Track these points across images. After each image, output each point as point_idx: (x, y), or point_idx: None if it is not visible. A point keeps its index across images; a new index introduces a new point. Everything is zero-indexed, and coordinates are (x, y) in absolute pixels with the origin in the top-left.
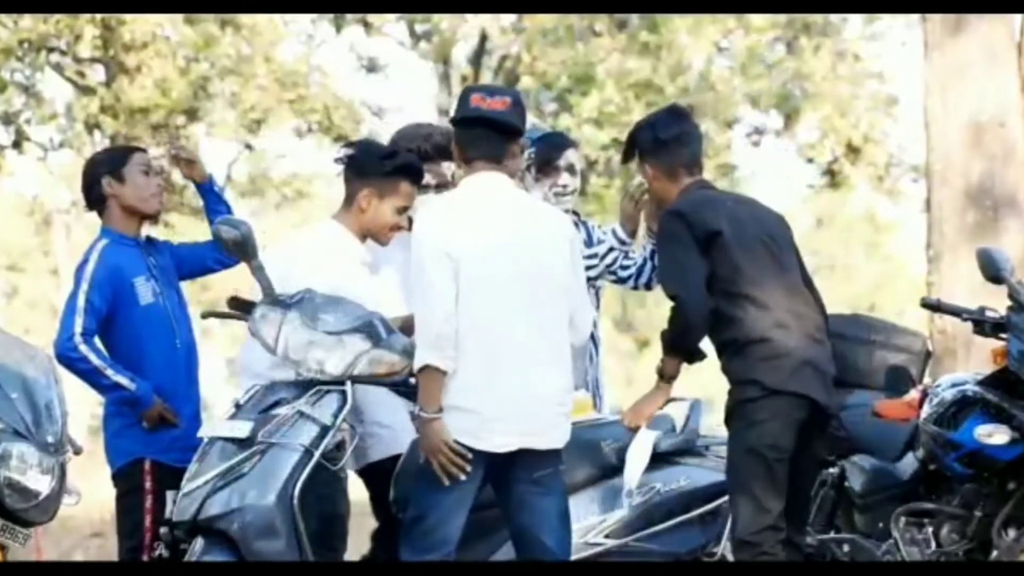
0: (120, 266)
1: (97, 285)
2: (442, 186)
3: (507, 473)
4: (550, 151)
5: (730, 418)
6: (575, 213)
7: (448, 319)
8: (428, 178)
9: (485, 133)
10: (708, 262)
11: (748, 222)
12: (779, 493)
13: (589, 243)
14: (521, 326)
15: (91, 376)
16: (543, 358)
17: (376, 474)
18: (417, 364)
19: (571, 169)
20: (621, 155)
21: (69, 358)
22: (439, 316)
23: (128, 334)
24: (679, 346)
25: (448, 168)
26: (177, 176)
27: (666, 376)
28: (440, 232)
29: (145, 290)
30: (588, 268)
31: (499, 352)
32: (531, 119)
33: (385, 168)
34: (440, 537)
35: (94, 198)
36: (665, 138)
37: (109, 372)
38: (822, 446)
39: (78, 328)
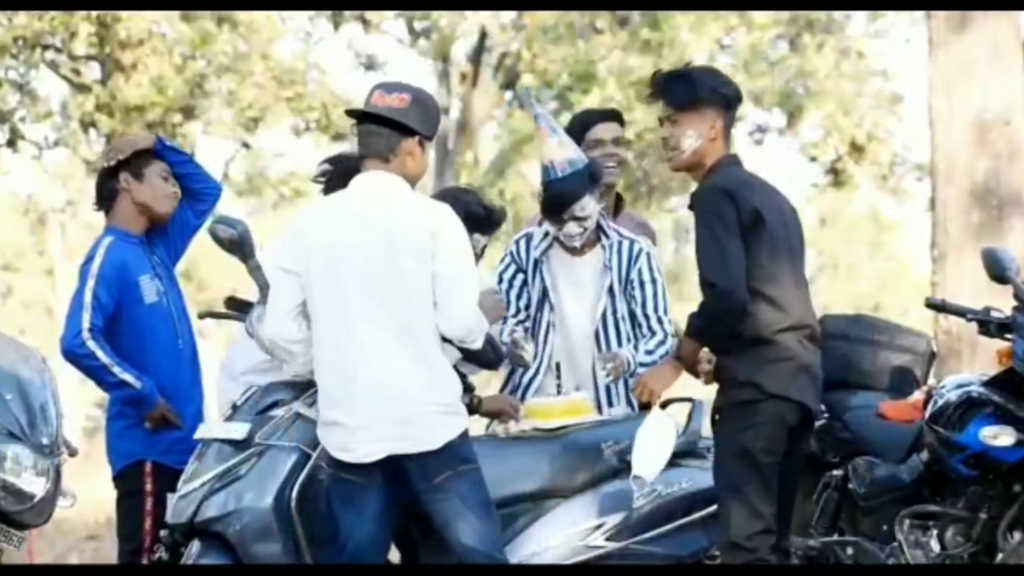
0: (126, 263)
1: (104, 282)
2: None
3: (406, 484)
4: (560, 200)
5: (720, 418)
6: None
7: (279, 331)
8: None
9: (375, 130)
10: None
11: (777, 213)
12: (772, 497)
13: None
14: (372, 332)
15: (97, 373)
16: (402, 360)
17: None
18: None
19: (577, 219)
20: (672, 94)
21: (76, 354)
22: (270, 328)
23: (132, 332)
24: (707, 334)
25: (479, 241)
26: None
27: (682, 357)
28: (288, 246)
29: (149, 289)
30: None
31: (353, 361)
32: (573, 153)
33: (350, 176)
34: (349, 551)
35: (106, 192)
36: (729, 95)
37: (116, 369)
38: (805, 451)
39: (85, 324)
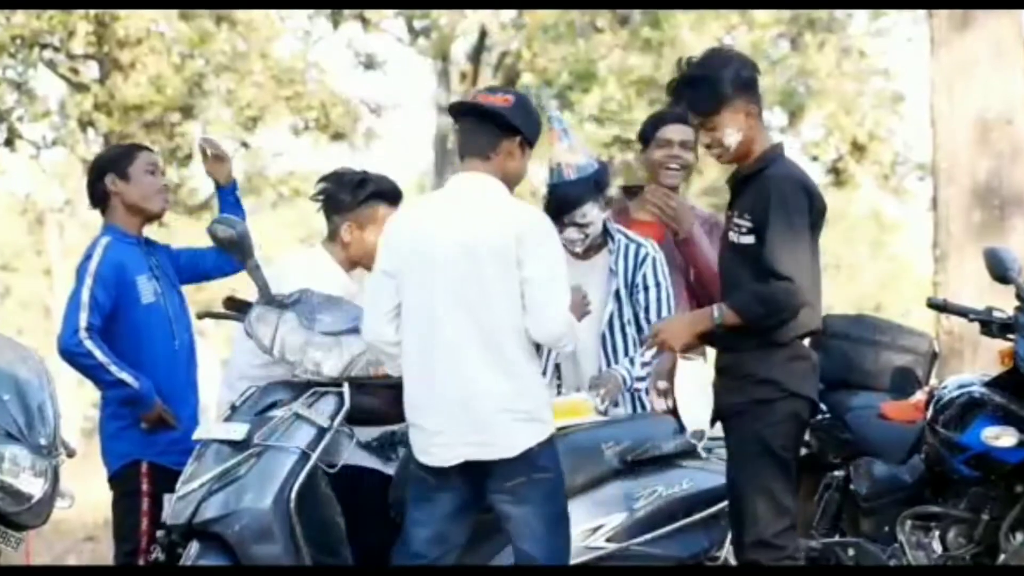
0: (123, 263)
1: (101, 281)
2: None
3: (482, 486)
4: (562, 204)
5: (736, 416)
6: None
7: (377, 333)
8: None
9: (476, 127)
10: None
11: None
12: (795, 494)
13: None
14: (455, 337)
15: (94, 372)
16: (484, 367)
17: (343, 477)
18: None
19: (578, 226)
20: (701, 106)
21: (73, 353)
22: (368, 330)
23: (128, 332)
24: (759, 321)
25: None
26: (172, 174)
27: (721, 322)
28: (384, 248)
29: (147, 289)
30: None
31: (435, 366)
32: (587, 155)
33: (358, 197)
34: (409, 550)
35: (97, 196)
36: (751, 76)
37: (113, 368)
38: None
39: (83, 323)
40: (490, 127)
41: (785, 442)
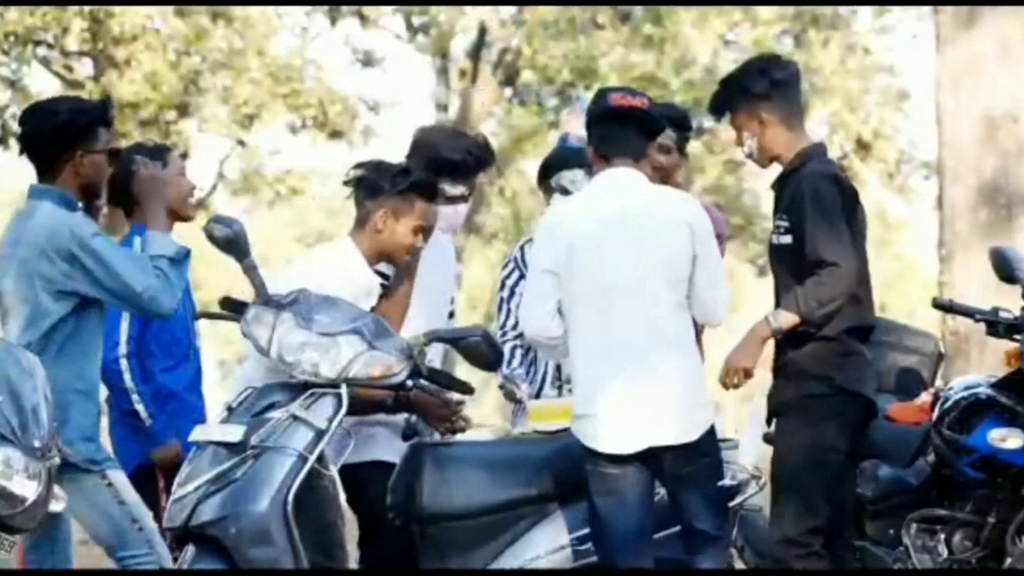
0: None
1: None
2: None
3: (660, 472)
4: (553, 161)
5: (785, 412)
6: None
7: (542, 329)
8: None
9: (622, 132)
10: None
11: (861, 206)
12: (830, 495)
13: None
14: (628, 325)
15: (116, 393)
16: (654, 352)
17: (347, 477)
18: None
19: (564, 191)
20: (712, 108)
21: (108, 368)
22: (532, 327)
23: (157, 335)
24: (820, 314)
25: (455, 188)
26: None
27: (777, 330)
28: (545, 247)
29: None
30: None
31: (610, 355)
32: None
33: (399, 186)
34: (611, 545)
35: (127, 202)
36: (783, 79)
37: (134, 397)
38: (863, 447)
39: (123, 337)
40: (635, 132)
41: (833, 441)
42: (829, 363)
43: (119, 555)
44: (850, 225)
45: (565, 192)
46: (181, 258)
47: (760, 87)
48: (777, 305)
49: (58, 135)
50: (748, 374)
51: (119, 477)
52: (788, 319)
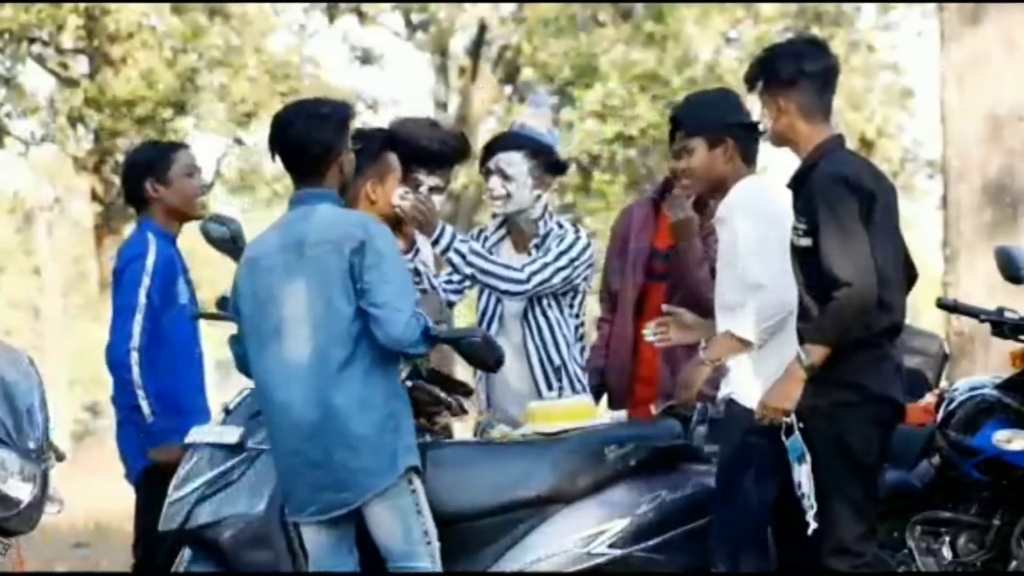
0: (172, 261)
1: (158, 280)
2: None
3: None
4: (493, 142)
5: (816, 419)
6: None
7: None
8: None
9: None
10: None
11: (893, 204)
12: (875, 500)
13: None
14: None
15: (122, 384)
16: None
17: None
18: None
19: (501, 173)
20: (746, 81)
21: (118, 364)
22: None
23: (165, 334)
24: (848, 337)
25: (431, 179)
26: None
27: (811, 366)
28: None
29: (184, 290)
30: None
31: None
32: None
33: (372, 151)
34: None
35: (136, 199)
36: (812, 71)
37: (140, 393)
38: (889, 450)
39: (136, 332)
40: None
41: (866, 447)
42: (863, 370)
43: (399, 564)
44: (869, 224)
45: (503, 175)
46: (431, 337)
47: (787, 72)
48: (801, 315)
49: (335, 137)
50: (786, 414)
51: (421, 487)
52: (819, 353)
